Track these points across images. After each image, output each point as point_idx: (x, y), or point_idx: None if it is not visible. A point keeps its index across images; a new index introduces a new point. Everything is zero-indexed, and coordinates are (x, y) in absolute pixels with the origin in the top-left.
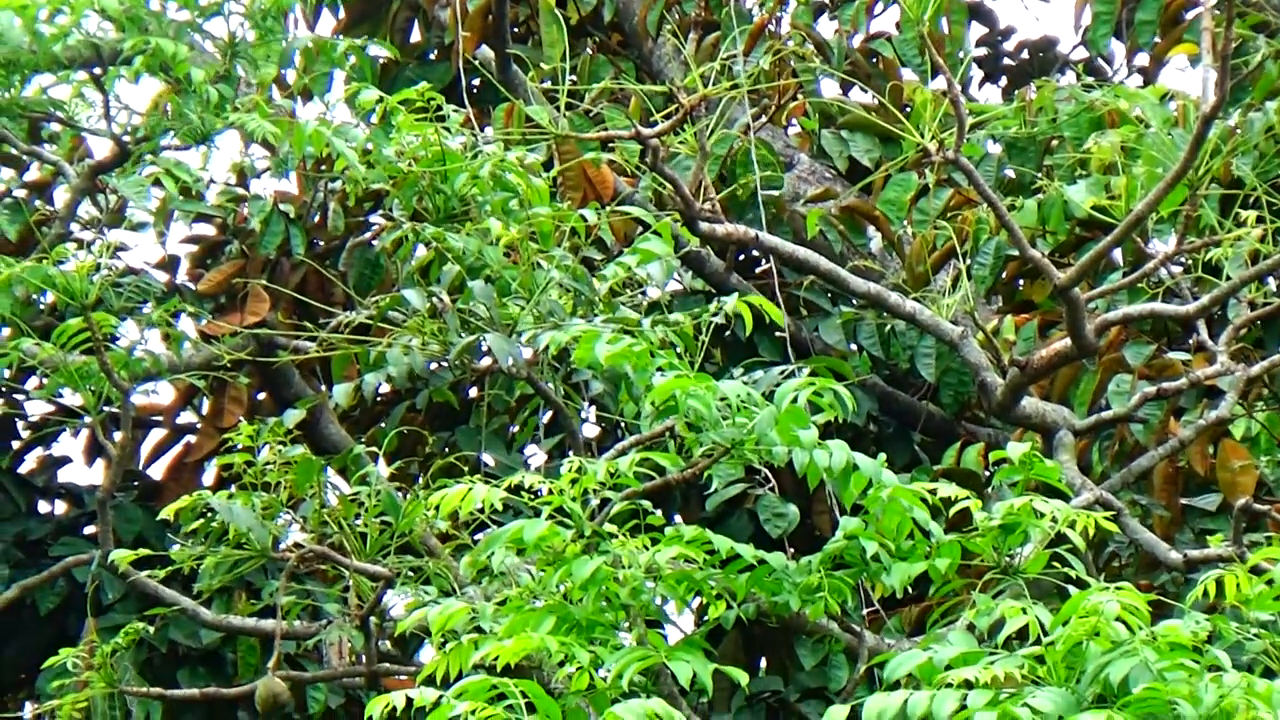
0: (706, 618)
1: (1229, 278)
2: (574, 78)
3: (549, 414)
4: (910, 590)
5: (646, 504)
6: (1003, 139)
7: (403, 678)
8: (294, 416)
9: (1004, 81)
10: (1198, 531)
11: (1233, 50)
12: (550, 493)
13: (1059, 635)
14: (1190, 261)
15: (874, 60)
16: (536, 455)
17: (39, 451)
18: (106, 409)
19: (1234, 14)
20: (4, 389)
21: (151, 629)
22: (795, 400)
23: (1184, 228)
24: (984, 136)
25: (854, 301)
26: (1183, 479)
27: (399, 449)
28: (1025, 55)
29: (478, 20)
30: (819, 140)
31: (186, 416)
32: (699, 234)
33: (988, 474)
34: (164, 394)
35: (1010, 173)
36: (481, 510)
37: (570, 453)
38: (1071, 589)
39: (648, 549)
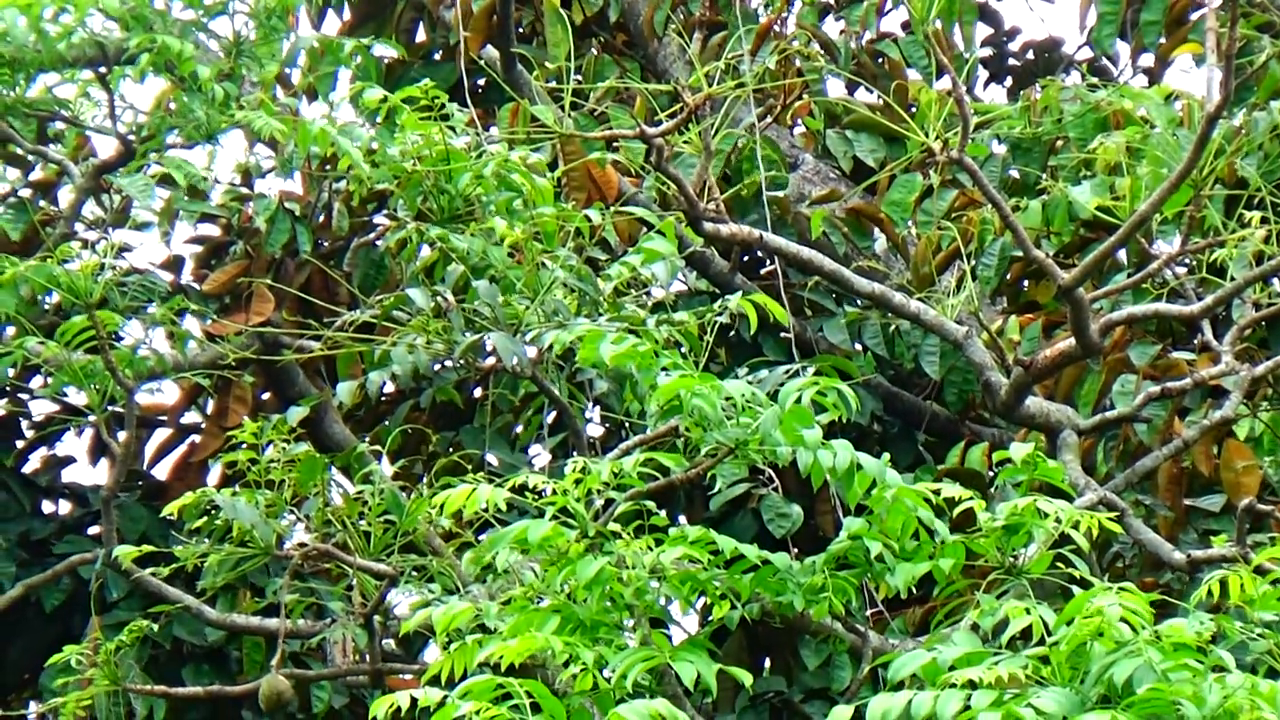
0: (710, 618)
1: (1233, 278)
2: (579, 77)
3: (553, 413)
4: (914, 590)
5: (650, 504)
6: (1007, 139)
7: (407, 677)
8: (298, 415)
9: (1009, 82)
10: (1201, 532)
11: (1237, 50)
12: (554, 492)
13: (1063, 635)
14: (1195, 262)
15: (879, 60)
16: (540, 455)
17: (43, 451)
18: (111, 408)
19: (1238, 14)
20: (8, 388)
21: (155, 627)
22: (799, 400)
23: (1188, 228)
24: (989, 137)
25: (859, 302)
26: (1187, 479)
27: (403, 448)
28: (1030, 56)
29: (483, 20)
30: (824, 140)
31: (191, 416)
32: (703, 234)
33: (992, 474)
34: (168, 393)
35: (1015, 173)
36: (485, 509)
37: (574, 452)
38: (1075, 589)
39: (652, 549)
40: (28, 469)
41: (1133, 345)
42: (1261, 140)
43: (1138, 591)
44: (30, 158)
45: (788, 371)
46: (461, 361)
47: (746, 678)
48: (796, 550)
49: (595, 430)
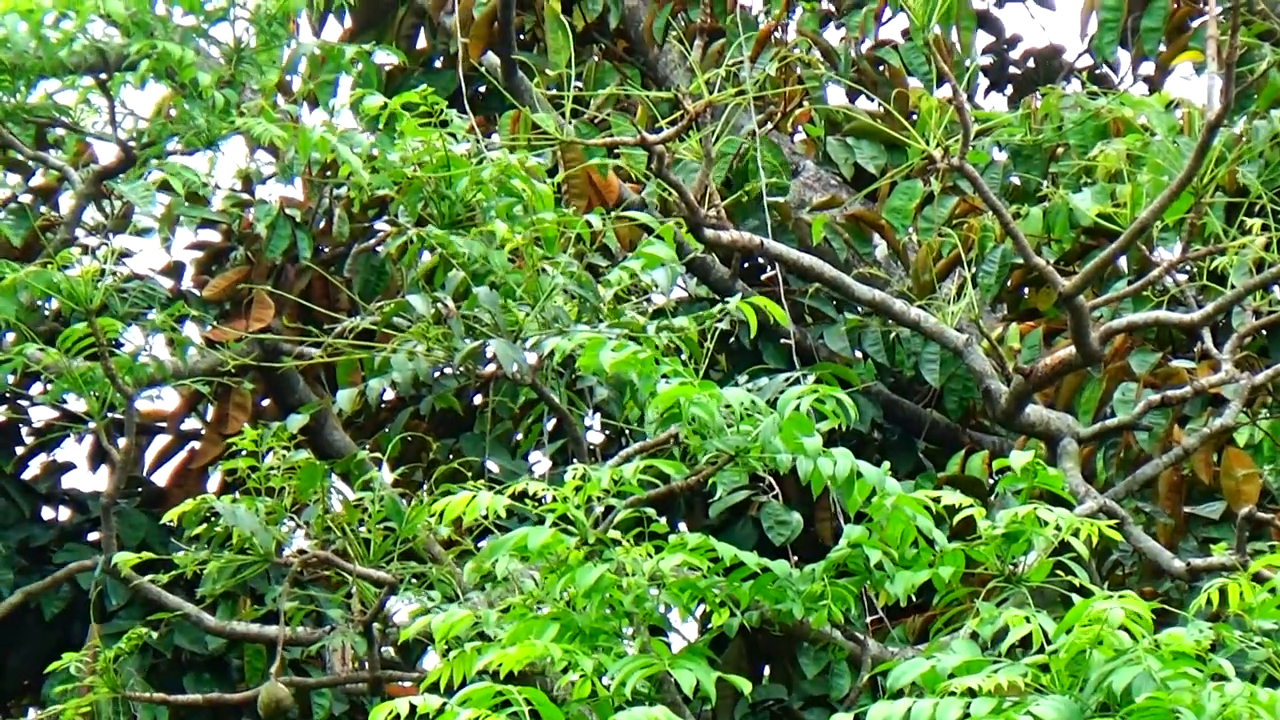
0: (710, 625)
1: (1234, 286)
2: (579, 84)
3: (553, 420)
4: (914, 598)
5: (650, 511)
6: (1008, 146)
7: (406, 684)
8: (298, 422)
9: (1010, 89)
10: (1201, 540)
11: (1238, 58)
12: (554, 500)
13: (1062, 643)
14: (1195, 269)
15: (880, 67)
16: (540, 462)
17: (43, 457)
18: (110, 415)
19: (1239, 22)
20: (8, 395)
21: (155, 634)
22: (799, 407)
23: (1189, 236)
24: (989, 144)
25: (859, 309)
26: (1187, 487)
27: (403, 455)
28: (1031, 63)
29: (483, 27)
30: (824, 147)
31: (191, 423)
32: (704, 240)
33: (992, 482)
34: (168, 400)
35: (1016, 180)
36: (485, 517)
37: (574, 459)
38: (1075, 597)
39: (651, 556)
40: (27, 475)
41: (1133, 353)
42: (1262, 148)
43: (1137, 599)
44: (31, 163)
45: (788, 379)
46: (462, 368)
47: (746, 685)
48: (796, 558)
49: (595, 437)
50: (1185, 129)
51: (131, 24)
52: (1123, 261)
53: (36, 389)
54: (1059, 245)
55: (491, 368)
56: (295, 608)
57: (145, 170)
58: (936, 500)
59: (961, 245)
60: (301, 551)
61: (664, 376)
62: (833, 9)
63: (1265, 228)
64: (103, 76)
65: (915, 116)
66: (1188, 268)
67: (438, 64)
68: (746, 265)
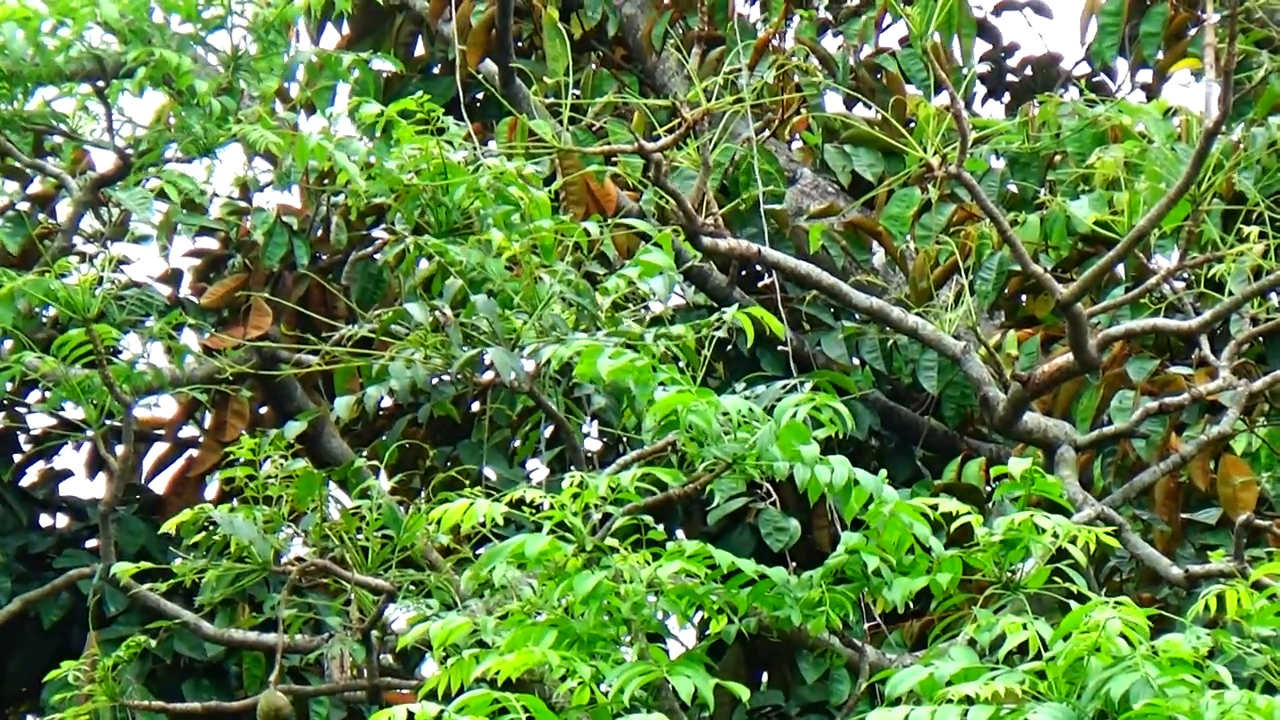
0: (708, 632)
1: (1231, 293)
2: (577, 92)
3: (551, 428)
4: (911, 605)
5: (648, 519)
6: (1006, 154)
7: (405, 692)
8: (295, 429)
9: (1007, 97)
10: (1199, 547)
11: (1236, 65)
12: (552, 507)
13: (1060, 650)
14: (1193, 277)
15: (878, 75)
16: (538, 469)
17: (41, 465)
18: (108, 423)
19: (1237, 29)
20: (6, 402)
21: (154, 642)
22: (796, 415)
23: (1186, 243)
24: (987, 152)
25: (857, 316)
26: (1184, 494)
27: (400, 463)
28: (1029, 71)
29: (481, 35)
30: (822, 155)
31: (189, 430)
32: (701, 248)
33: (989, 489)
34: (166, 408)
35: (1013, 188)
36: (483, 524)
37: (572, 467)
38: (1073, 604)
39: (649, 564)
40: (25, 483)
41: (1131, 360)
42: (1260, 155)
43: (1135, 606)
44: (28, 171)
45: (785, 386)
46: (459, 376)
47: (743, 692)
48: (794, 564)
49: (593, 445)
50: (1183, 136)
51: (129, 31)
52: (1120, 269)
53: (34, 397)
54: (1056, 252)
55: (489, 375)
56: (294, 615)
57: (143, 178)
58: (934, 507)
59: (959, 252)
60: (300, 559)
61: (661, 384)
62: (830, 17)
63: (1263, 235)
64: (100, 84)
65: (913, 124)
66: (1185, 275)
67: (435, 71)
68: (744, 273)
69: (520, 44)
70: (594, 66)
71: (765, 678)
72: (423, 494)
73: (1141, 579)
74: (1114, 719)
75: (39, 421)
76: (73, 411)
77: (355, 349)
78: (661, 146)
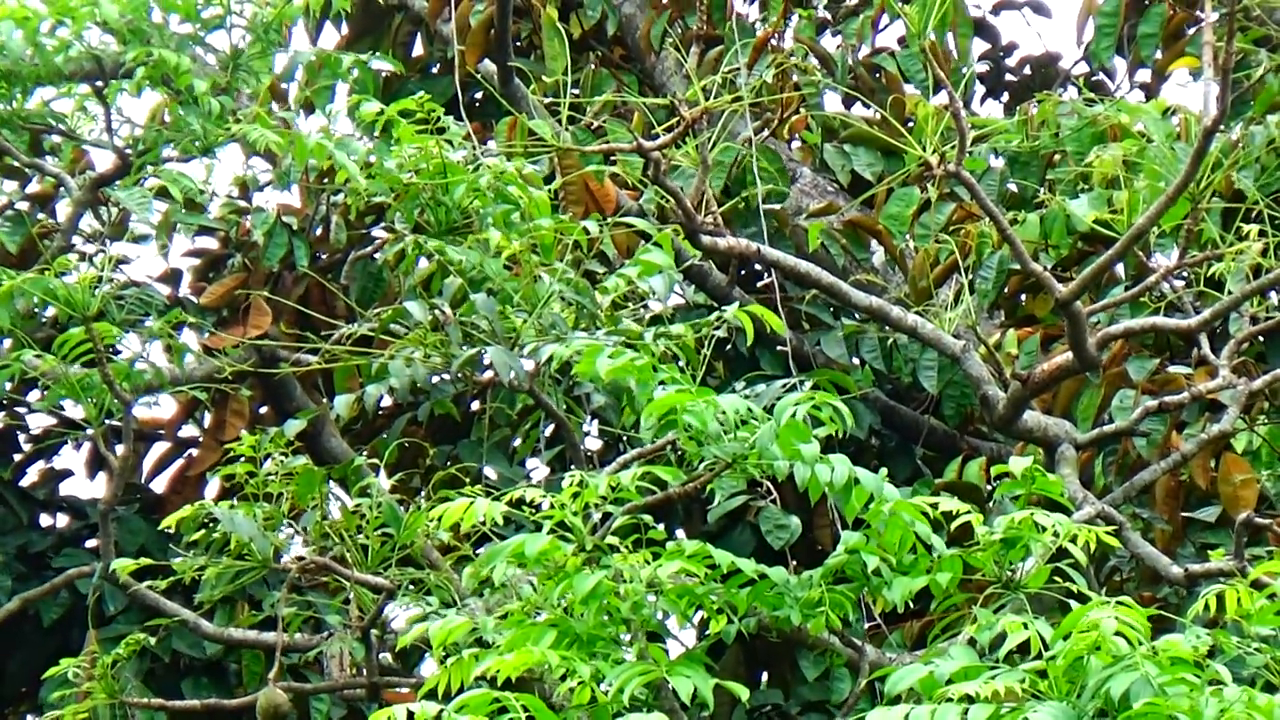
0: (708, 632)
1: (1231, 292)
2: (576, 91)
3: (551, 427)
4: (911, 604)
5: (648, 518)
6: (1005, 153)
7: (404, 690)
8: (295, 428)
9: (1006, 97)
10: (1199, 546)
11: (1234, 64)
12: (552, 506)
13: (1060, 650)
14: (1192, 275)
15: (877, 74)
16: (538, 468)
17: (41, 464)
18: (108, 422)
19: (1235, 28)
20: (6, 401)
21: (153, 640)
22: (796, 414)
23: (1185, 242)
24: (986, 150)
25: (856, 315)
26: (1184, 493)
27: (400, 461)
28: (1028, 71)
29: (480, 34)
30: (821, 154)
31: (188, 429)
32: (701, 247)
33: (989, 488)
34: (166, 407)
35: (1013, 187)
36: (483, 523)
37: (572, 466)
38: (1073, 603)
39: (649, 563)
40: (25, 482)
41: (1130, 359)
42: (1259, 154)
43: (1135, 605)
44: (27, 171)
45: (785, 385)
46: (459, 375)
47: (743, 692)
48: (795, 563)
49: (593, 444)
50: (1182, 135)
51: (127, 31)
52: (1120, 268)
53: (34, 396)
54: (1056, 251)
55: (489, 374)
56: (293, 613)
57: (142, 177)
58: (934, 506)
59: (959, 252)
60: (299, 557)
61: (661, 383)
62: (829, 16)
63: (1262, 233)
64: (99, 84)
65: (912, 123)
66: (1185, 273)
67: (434, 71)
68: (744, 272)
69: (519, 43)
70: (593, 66)
71: (765, 677)
72: (423, 493)
73: (1142, 578)
74: (1114, 718)
75: (39, 421)
76: (73, 410)
77: (355, 348)
78: (660, 145)
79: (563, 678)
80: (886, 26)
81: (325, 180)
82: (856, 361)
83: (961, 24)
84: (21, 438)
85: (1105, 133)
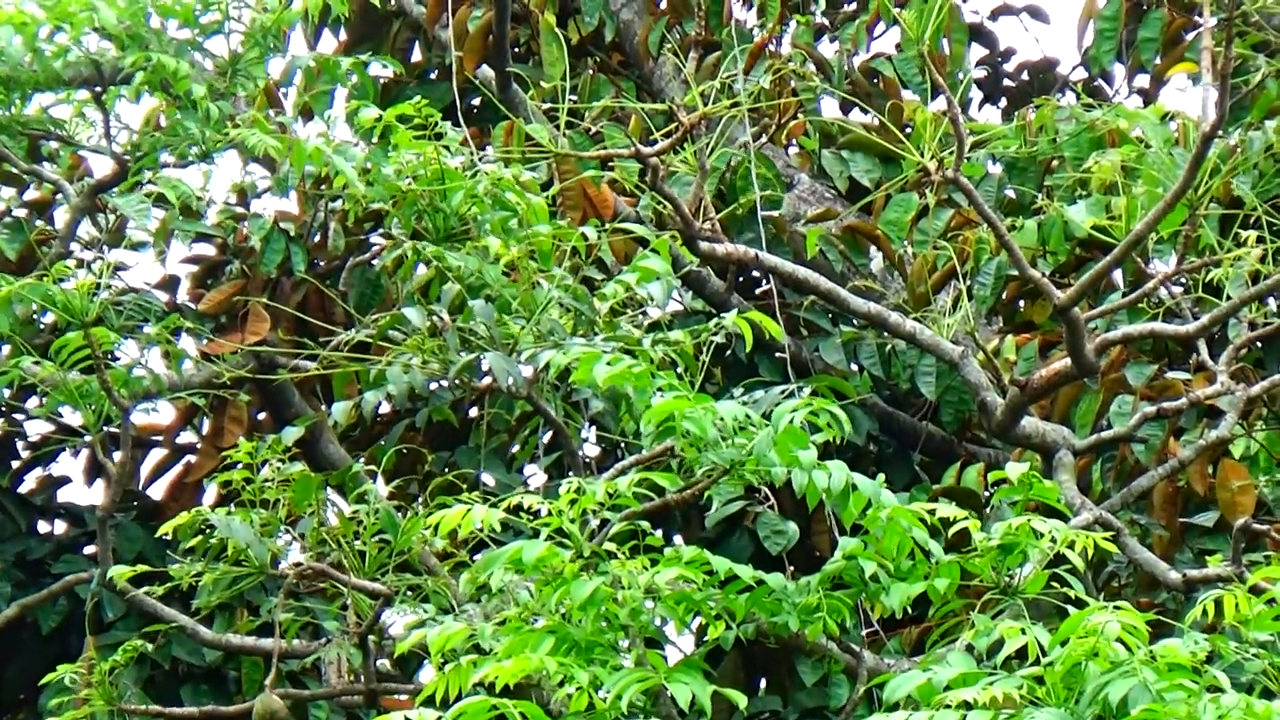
0: (706, 638)
1: (1229, 298)
2: (574, 97)
3: (549, 433)
4: (910, 610)
5: (646, 524)
6: (1003, 159)
7: (402, 697)
8: (293, 434)
9: (1004, 102)
10: (1197, 551)
11: (1233, 69)
12: (549, 513)
13: (1058, 655)
14: (1190, 281)
15: (874, 80)
16: (536, 475)
17: (39, 471)
18: (106, 428)
19: (1234, 33)
20: (4, 408)
21: (151, 646)
22: (794, 420)
23: (1184, 247)
24: (984, 156)
25: (854, 321)
26: (1182, 499)
27: (398, 467)
28: (1025, 76)
29: (478, 40)
30: (819, 160)
31: (187, 436)
32: (699, 253)
33: (987, 494)
34: (164, 413)
35: (1011, 193)
36: (480, 529)
37: (570, 472)
38: (1071, 609)
39: (647, 569)
40: (24, 489)
41: (1129, 365)
42: (1257, 159)
43: (1133, 611)
44: (25, 177)
45: (783, 391)
46: (457, 381)
47: (741, 699)
48: (793, 568)
49: (591, 450)
50: (1180, 141)
51: (126, 36)
52: (1118, 274)
53: (32, 402)
54: (1054, 257)
55: (487, 381)
56: (291, 620)
57: (140, 183)
58: (932, 512)
59: (957, 258)
60: (297, 564)
61: (659, 390)
62: (827, 22)
63: (1260, 239)
64: (97, 89)
65: (910, 129)
66: (1183, 280)
67: (432, 77)
68: (742, 278)
69: (517, 49)
70: (591, 72)
71: (763, 683)
72: (420, 499)
73: (1140, 584)
74: None
75: (37, 427)
76: (71, 417)
77: (353, 354)
78: (658, 151)
79: (561, 684)
80: (884, 33)
81: (323, 186)
82: (855, 367)
83: (957, 29)
84: (20, 444)
85: (1103, 138)
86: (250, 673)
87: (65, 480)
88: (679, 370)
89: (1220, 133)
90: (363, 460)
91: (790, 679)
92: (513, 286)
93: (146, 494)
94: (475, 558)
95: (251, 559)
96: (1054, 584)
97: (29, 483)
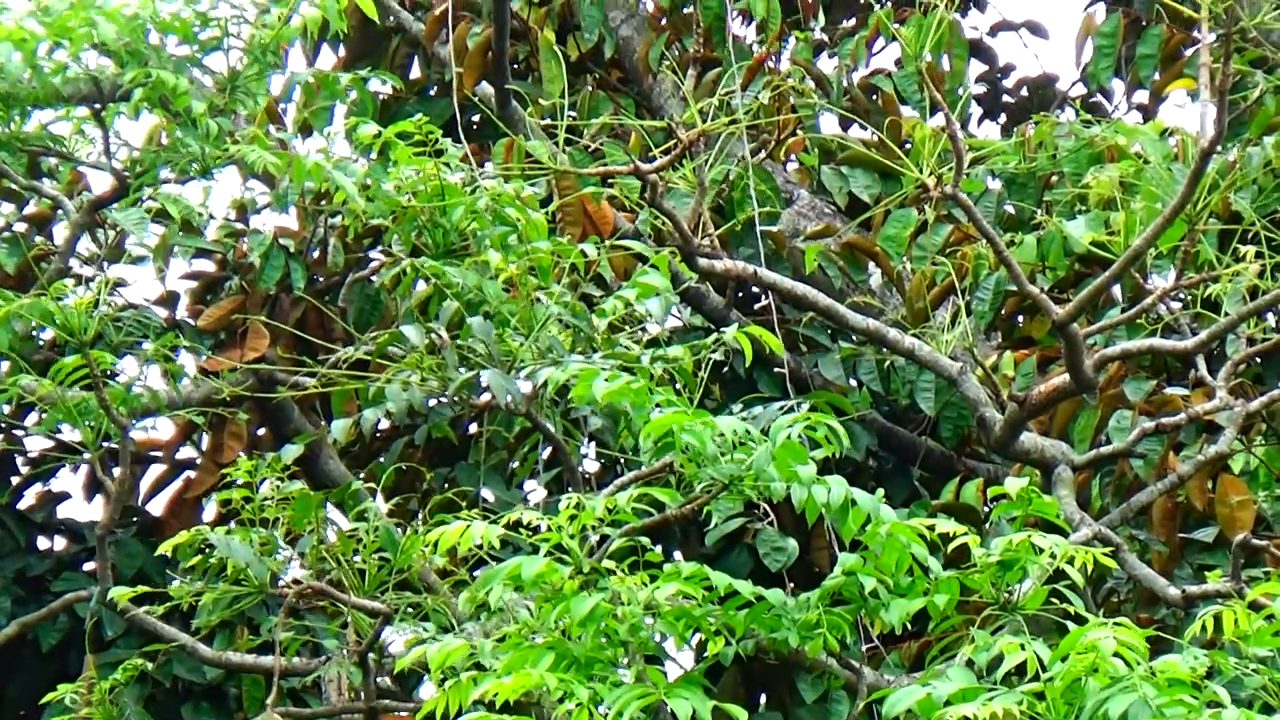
0: (705, 654)
1: (1228, 313)
2: (574, 113)
3: (548, 450)
4: (909, 626)
5: (645, 540)
6: (1002, 175)
7: (402, 714)
8: (292, 452)
9: (1003, 118)
10: (1196, 567)
11: (1231, 85)
12: (549, 529)
13: (1058, 671)
14: (1189, 297)
15: (874, 96)
16: (535, 491)
17: (38, 487)
18: (106, 445)
19: (1232, 49)
20: (3, 425)
21: (152, 665)
22: (793, 436)
23: (1183, 263)
24: (984, 172)
25: (854, 337)
26: (1181, 514)
27: (398, 485)
28: (1025, 92)
29: (477, 56)
30: (818, 176)
31: (186, 452)
32: (698, 270)
33: (987, 510)
34: (163, 430)
35: (1010, 208)
36: (480, 546)
37: (569, 489)
38: (1070, 625)
39: (646, 585)
40: (23, 506)
41: (1128, 381)
42: (1255, 175)
43: (1133, 627)
44: (25, 193)
45: (782, 407)
46: (456, 398)
47: (741, 714)
48: (792, 584)
49: (590, 466)
50: (1179, 156)
51: (125, 53)
52: (1117, 289)
53: (31, 419)
54: (1053, 273)
55: (486, 397)
56: (291, 638)
57: (139, 199)
58: (931, 528)
59: (956, 273)
60: (297, 581)
61: (658, 406)
62: (826, 38)
63: (1259, 255)
64: (97, 106)
65: (909, 145)
66: (1182, 295)
67: (432, 93)
68: (741, 294)
69: (517, 66)
70: (590, 88)
71: (763, 699)
72: (420, 516)
73: (1139, 599)
74: None
75: (36, 444)
76: (70, 434)
77: (352, 371)
78: (658, 168)
79: (561, 700)
80: (883, 49)
81: (323, 202)
82: (854, 383)
83: (957, 45)
84: (19, 461)
85: (1102, 154)
86: (251, 691)
87: (65, 496)
88: (678, 386)
89: (1219, 148)
90: (362, 477)
91: (790, 695)
92: (512, 303)
93: (146, 510)
94: (475, 575)
95: (251, 577)
96: (1053, 599)
97: (28, 499)
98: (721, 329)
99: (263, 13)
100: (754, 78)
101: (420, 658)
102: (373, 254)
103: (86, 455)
